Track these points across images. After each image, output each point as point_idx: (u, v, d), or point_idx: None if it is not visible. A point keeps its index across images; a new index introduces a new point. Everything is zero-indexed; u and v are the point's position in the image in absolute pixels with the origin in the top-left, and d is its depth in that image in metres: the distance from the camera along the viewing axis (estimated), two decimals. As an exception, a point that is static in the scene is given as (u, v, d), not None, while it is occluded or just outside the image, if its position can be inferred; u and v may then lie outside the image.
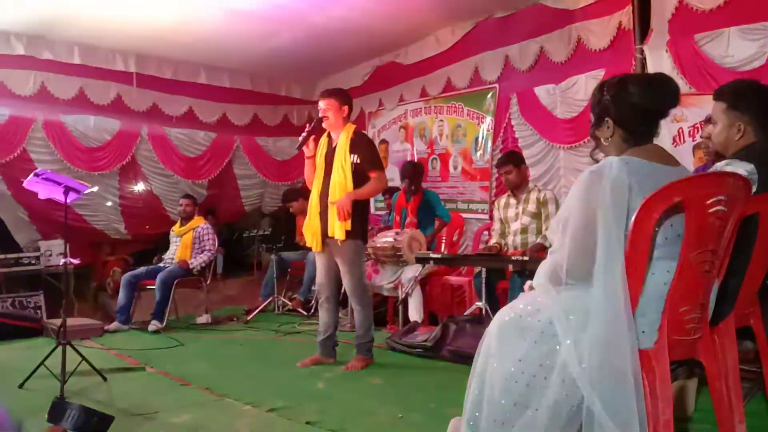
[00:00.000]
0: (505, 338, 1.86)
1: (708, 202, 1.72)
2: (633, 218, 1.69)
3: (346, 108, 3.88)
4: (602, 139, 1.95)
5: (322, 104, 3.88)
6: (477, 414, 1.86)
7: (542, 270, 1.92)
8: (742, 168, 2.16)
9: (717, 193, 1.73)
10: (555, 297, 1.81)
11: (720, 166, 2.23)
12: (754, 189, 2.11)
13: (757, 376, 2.45)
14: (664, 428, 1.68)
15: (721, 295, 2.00)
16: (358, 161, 3.80)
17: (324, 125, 3.88)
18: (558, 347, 1.77)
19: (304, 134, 3.86)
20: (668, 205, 1.68)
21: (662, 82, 1.94)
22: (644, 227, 1.69)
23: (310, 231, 3.91)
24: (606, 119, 1.92)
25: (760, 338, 2.36)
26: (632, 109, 1.87)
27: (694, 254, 1.73)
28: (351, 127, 3.92)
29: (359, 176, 3.80)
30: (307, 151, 3.91)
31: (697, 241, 1.73)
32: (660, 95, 1.88)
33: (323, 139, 3.97)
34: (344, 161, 3.79)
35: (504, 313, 1.94)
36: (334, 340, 4.04)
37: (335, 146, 3.86)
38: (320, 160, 3.92)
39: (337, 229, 3.74)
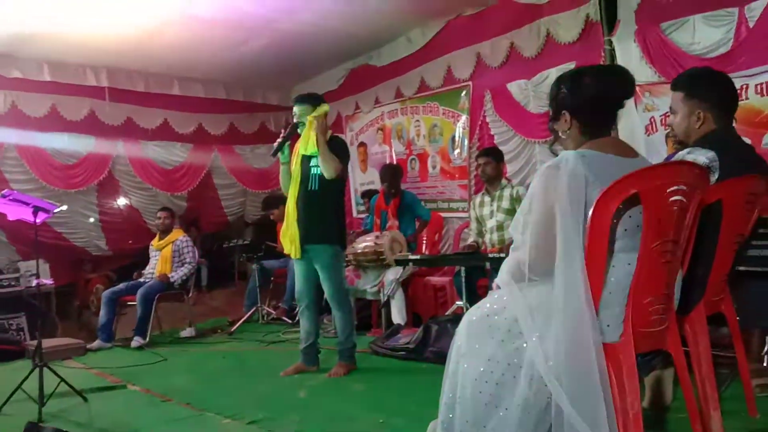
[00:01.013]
0: (473, 338, 1.86)
1: (666, 192, 1.72)
2: (590, 211, 1.68)
3: None
4: (560, 133, 1.95)
5: (296, 109, 3.87)
6: (450, 415, 1.86)
7: (505, 267, 1.93)
8: (703, 155, 2.16)
9: (674, 182, 1.73)
10: (518, 294, 1.82)
11: (682, 154, 2.24)
12: (715, 176, 2.13)
13: (734, 361, 2.46)
14: (633, 422, 1.67)
15: (690, 283, 2.00)
16: None
17: (299, 130, 3.86)
18: (524, 345, 1.76)
19: (279, 140, 3.85)
20: (625, 196, 1.68)
21: (615, 71, 1.97)
22: (602, 220, 1.68)
23: (288, 238, 3.87)
24: (563, 112, 1.92)
25: (732, 324, 2.38)
26: (587, 100, 1.87)
27: (655, 245, 1.73)
28: (328, 132, 3.89)
29: (333, 182, 3.78)
30: (282, 156, 3.90)
31: (656, 231, 1.72)
32: (613, 85, 1.89)
33: (299, 145, 3.93)
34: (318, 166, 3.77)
35: (471, 313, 1.94)
36: (317, 348, 4.02)
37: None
38: (296, 167, 3.88)
39: (321, 234, 3.75)
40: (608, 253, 1.71)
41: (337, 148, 3.83)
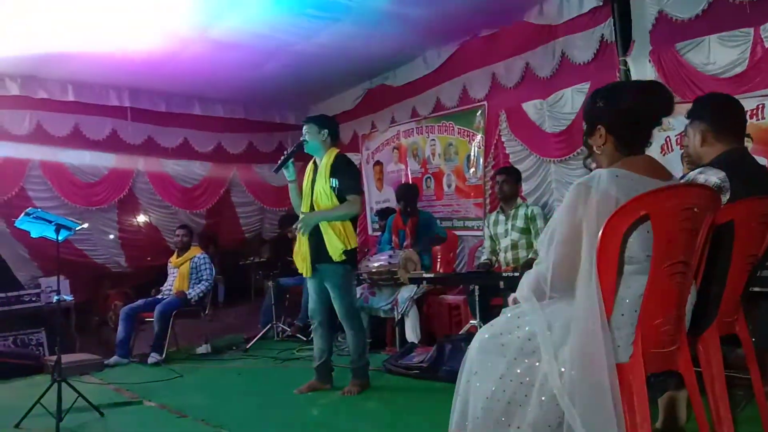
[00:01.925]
0: (485, 356, 1.85)
1: (676, 213, 1.72)
2: (600, 232, 1.69)
3: (325, 132, 3.93)
4: (594, 148, 1.92)
5: (304, 130, 3.96)
6: None
7: (526, 282, 1.90)
8: (714, 176, 2.17)
9: (684, 204, 1.73)
10: (538, 309, 1.80)
11: (693, 174, 2.25)
12: (726, 197, 2.13)
13: (750, 382, 2.43)
14: (643, 442, 1.67)
15: (703, 303, 2.00)
16: (337, 185, 3.82)
17: (305, 149, 3.93)
18: (537, 363, 1.76)
19: (282, 157, 3.91)
20: (634, 218, 1.68)
21: (656, 88, 1.91)
22: (611, 241, 1.69)
23: (299, 256, 3.92)
24: (598, 126, 1.88)
25: (746, 345, 2.35)
26: (625, 115, 1.84)
27: (665, 266, 1.73)
28: (333, 152, 3.94)
29: (340, 200, 3.82)
30: (287, 174, 3.95)
31: (666, 253, 1.72)
32: (653, 102, 1.85)
33: (310, 165, 4.00)
34: (325, 185, 3.82)
35: (484, 331, 1.94)
36: (330, 365, 4.03)
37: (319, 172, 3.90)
38: (307, 185, 3.94)
39: (335, 251, 3.75)
40: (618, 274, 1.71)
41: (345, 170, 3.89)
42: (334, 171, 3.84)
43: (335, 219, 3.80)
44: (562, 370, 1.67)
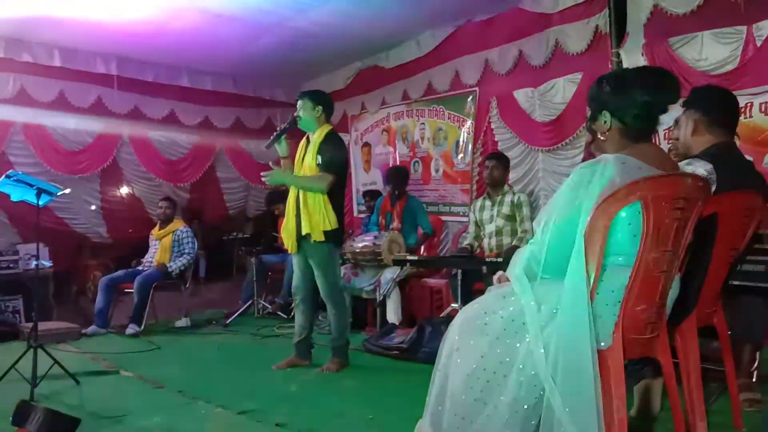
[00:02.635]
0: (467, 334, 1.86)
1: (668, 202, 1.73)
2: (588, 217, 1.69)
3: (320, 108, 3.88)
4: (599, 134, 1.91)
5: (298, 104, 3.92)
6: (439, 408, 1.87)
7: (518, 260, 1.90)
8: (702, 168, 2.19)
9: (676, 193, 1.74)
10: (528, 288, 1.80)
11: (681, 165, 2.26)
12: (712, 189, 2.14)
13: (724, 375, 2.47)
14: (618, 427, 1.69)
15: (683, 294, 2.02)
16: (321, 163, 3.79)
17: (298, 125, 3.88)
18: (518, 345, 1.77)
19: (276, 132, 3.88)
20: (627, 203, 1.69)
21: (663, 75, 1.90)
22: (600, 226, 1.70)
23: (286, 232, 3.91)
24: (604, 112, 1.88)
25: (722, 337, 2.39)
26: (632, 101, 1.83)
27: (653, 254, 1.74)
28: (325, 129, 3.90)
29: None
30: (280, 150, 3.92)
31: (655, 241, 1.74)
32: (661, 88, 1.84)
33: (303, 141, 3.97)
34: (311, 161, 3.80)
35: (468, 309, 1.94)
36: (310, 342, 4.04)
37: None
38: (298, 162, 3.91)
39: (315, 229, 3.73)
40: (604, 258, 1.72)
41: (332, 149, 3.83)
42: (322, 148, 3.81)
43: (300, 187, 3.78)
44: (549, 349, 1.67)
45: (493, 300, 1.92)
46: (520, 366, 1.74)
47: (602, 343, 1.73)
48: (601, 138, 1.91)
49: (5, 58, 6.02)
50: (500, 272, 2.08)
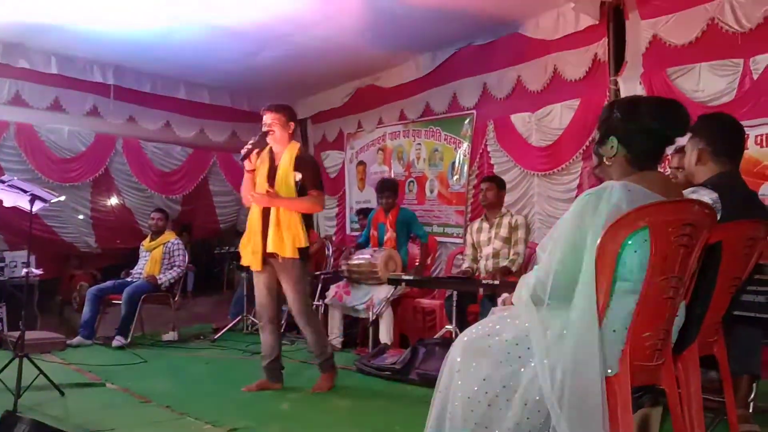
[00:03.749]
0: (470, 356, 1.83)
1: (674, 228, 1.72)
2: (597, 242, 1.68)
3: (292, 124, 3.81)
4: (605, 158, 1.90)
5: (267, 118, 3.75)
6: (439, 431, 1.83)
7: (524, 285, 1.87)
8: (707, 196, 2.19)
9: (683, 220, 1.74)
10: (535, 312, 1.78)
11: (686, 193, 2.26)
12: (717, 217, 2.15)
13: (721, 405, 2.46)
14: (624, 455, 1.67)
15: (686, 322, 2.01)
16: (301, 180, 3.70)
17: (268, 140, 3.75)
18: (522, 369, 1.75)
19: (248, 146, 3.67)
20: (634, 229, 1.68)
21: (674, 107, 1.88)
22: (609, 249, 1.69)
23: (249, 249, 3.73)
24: (611, 137, 1.87)
25: (723, 367, 2.37)
26: (641, 130, 1.82)
27: (659, 280, 1.73)
28: (296, 145, 3.81)
29: (301, 195, 3.71)
30: (248, 164, 3.73)
31: (661, 267, 1.73)
32: (671, 120, 1.84)
33: (265, 155, 3.81)
34: (287, 178, 3.69)
35: (471, 331, 1.92)
36: (280, 363, 3.90)
37: (278, 163, 3.75)
38: (261, 177, 3.75)
39: (288, 246, 3.62)
40: (613, 284, 1.71)
41: (311, 166, 3.79)
42: (299, 165, 3.71)
43: (298, 209, 3.69)
44: (555, 376, 1.65)
45: (497, 322, 1.90)
46: (524, 390, 1.72)
47: (609, 370, 1.71)
48: (607, 163, 1.90)
49: (2, 64, 6.00)
50: (505, 294, 2.06)
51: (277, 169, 3.73)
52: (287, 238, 3.62)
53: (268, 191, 3.66)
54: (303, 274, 3.75)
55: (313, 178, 3.76)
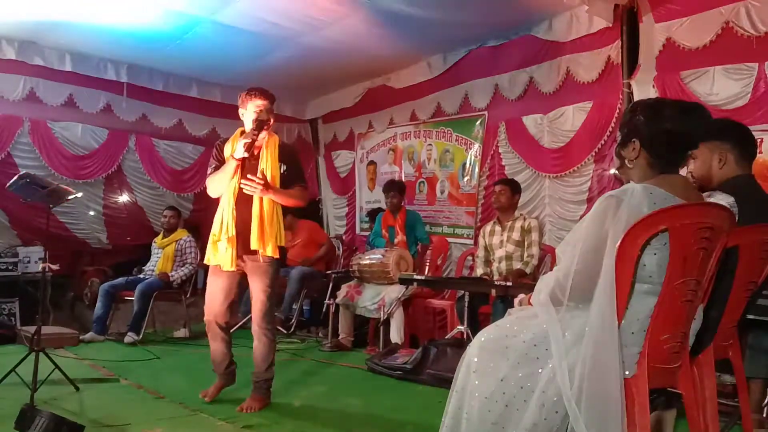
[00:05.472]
0: (488, 356, 1.85)
1: (694, 231, 1.74)
2: (618, 244, 1.70)
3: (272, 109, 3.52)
4: (626, 160, 1.91)
5: (262, 105, 3.40)
6: (455, 430, 1.85)
7: (543, 286, 1.88)
8: (724, 200, 2.20)
9: (702, 223, 1.75)
10: (554, 315, 1.79)
11: (703, 197, 2.27)
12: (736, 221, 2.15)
13: (734, 409, 2.46)
14: (642, 456, 1.68)
15: (702, 326, 2.02)
16: (286, 172, 3.47)
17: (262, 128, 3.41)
18: (540, 370, 1.77)
19: (252, 136, 3.31)
20: (654, 231, 1.70)
21: (698, 112, 1.89)
22: (629, 252, 1.70)
23: (223, 246, 3.38)
24: (634, 140, 1.88)
25: (738, 371, 2.38)
26: (664, 133, 1.83)
27: (678, 283, 1.74)
28: (276, 136, 3.55)
29: (284, 187, 3.46)
30: (241, 152, 3.32)
31: (681, 269, 1.74)
32: (694, 124, 1.85)
33: (235, 140, 3.46)
34: (273, 170, 3.41)
35: (489, 331, 1.93)
36: (234, 363, 3.72)
37: (257, 153, 3.42)
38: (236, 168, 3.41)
39: (270, 244, 3.35)
40: (632, 286, 1.73)
41: (297, 159, 3.59)
42: (284, 157, 3.48)
43: (288, 203, 3.45)
44: (572, 376, 1.67)
45: (514, 323, 1.92)
46: (542, 392, 1.73)
47: (627, 372, 1.72)
48: (629, 165, 1.91)
49: (17, 61, 6.04)
50: (522, 295, 2.08)
51: (259, 160, 3.42)
52: (270, 235, 3.36)
53: (265, 181, 3.33)
54: (277, 275, 3.50)
55: (299, 171, 3.59)
